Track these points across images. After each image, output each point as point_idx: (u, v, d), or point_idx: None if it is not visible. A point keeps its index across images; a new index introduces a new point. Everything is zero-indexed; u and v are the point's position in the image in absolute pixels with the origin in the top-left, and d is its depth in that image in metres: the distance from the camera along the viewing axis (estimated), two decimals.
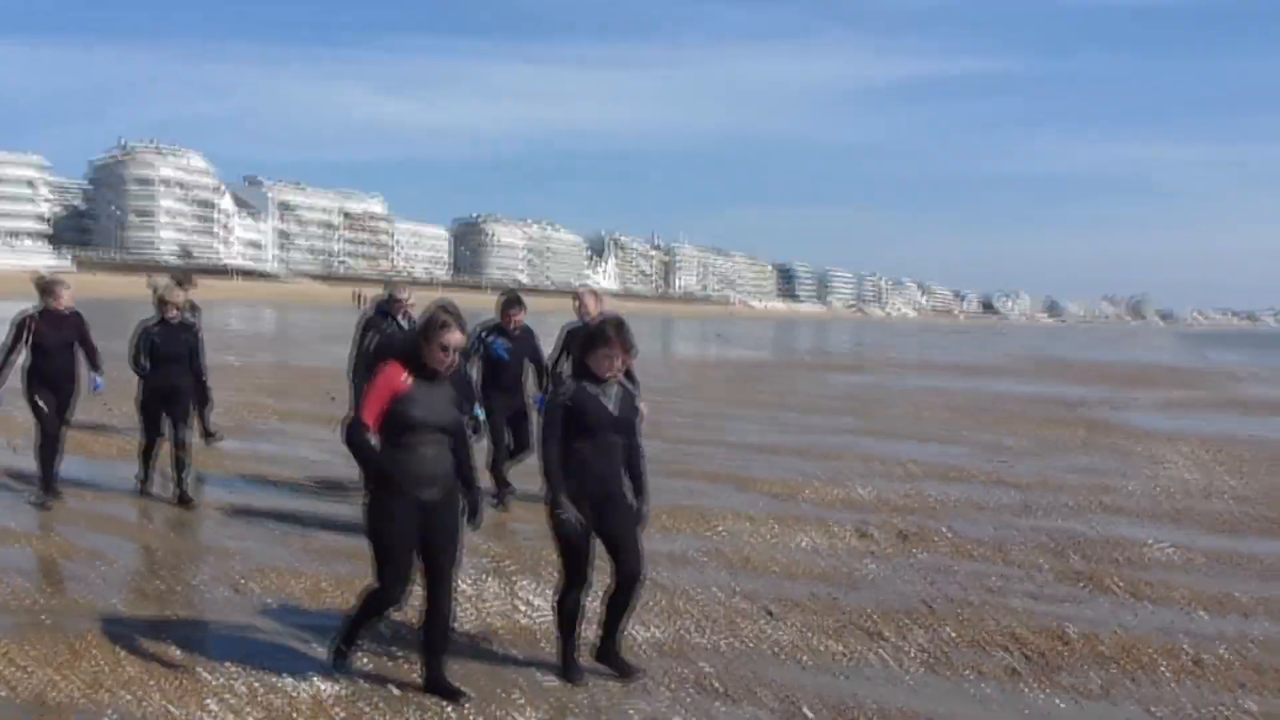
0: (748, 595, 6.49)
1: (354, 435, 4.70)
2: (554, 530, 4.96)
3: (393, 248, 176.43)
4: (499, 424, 8.66)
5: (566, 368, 8.81)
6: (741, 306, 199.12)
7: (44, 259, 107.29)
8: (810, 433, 14.83)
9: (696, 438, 13.62)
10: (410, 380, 4.70)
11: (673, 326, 74.66)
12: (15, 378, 8.44)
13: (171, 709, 4.63)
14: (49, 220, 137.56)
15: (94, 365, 8.72)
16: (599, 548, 5.03)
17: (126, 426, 11.14)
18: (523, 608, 6.18)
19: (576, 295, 9.02)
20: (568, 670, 5.07)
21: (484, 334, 8.71)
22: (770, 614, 6.18)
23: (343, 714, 4.65)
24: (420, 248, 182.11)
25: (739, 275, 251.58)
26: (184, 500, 8.53)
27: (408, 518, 4.70)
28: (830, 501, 9.74)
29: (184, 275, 13.66)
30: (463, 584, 6.06)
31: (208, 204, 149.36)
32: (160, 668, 5.05)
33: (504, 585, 6.57)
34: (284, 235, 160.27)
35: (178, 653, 5.26)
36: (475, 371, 8.50)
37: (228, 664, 5.10)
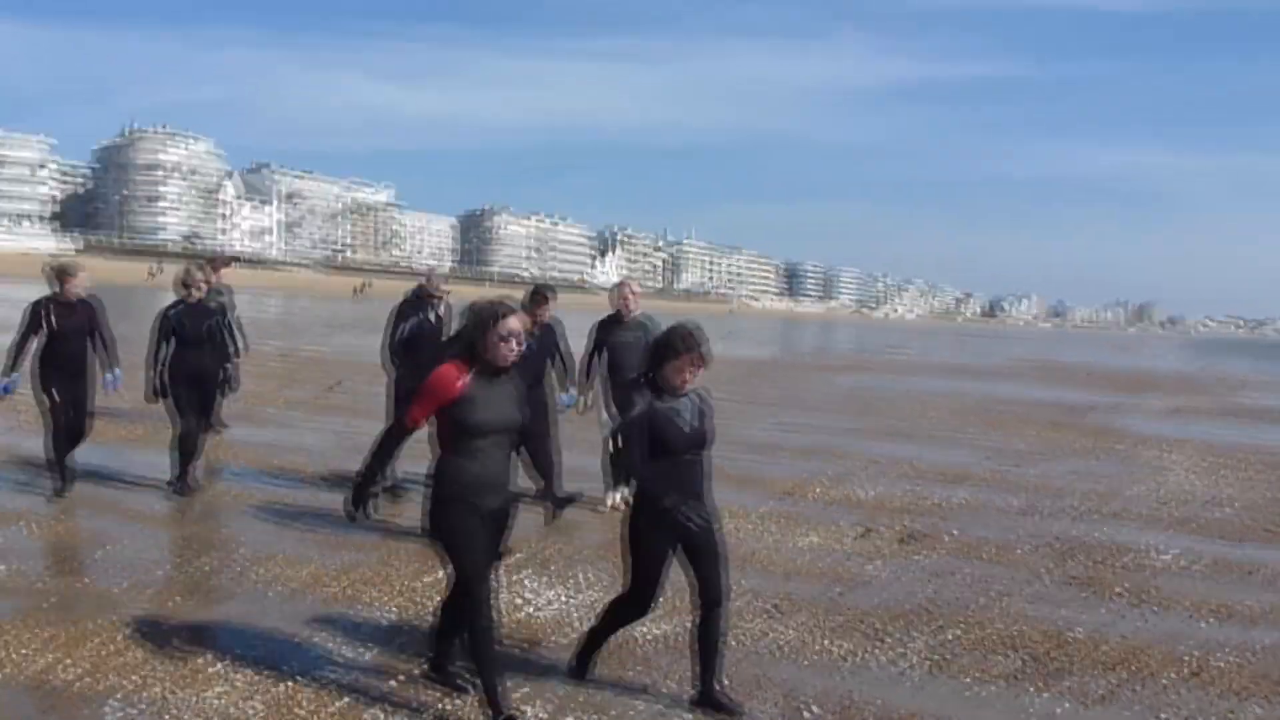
0: (751, 594, 6.48)
1: (383, 436, 4.62)
2: (631, 541, 4.70)
3: (400, 238, 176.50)
4: None
5: (600, 365, 8.72)
6: (742, 305, 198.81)
7: (49, 242, 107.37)
8: (813, 433, 14.83)
9: None
10: (468, 381, 4.38)
11: None
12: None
13: (173, 695, 4.64)
14: (56, 202, 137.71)
15: (110, 358, 8.30)
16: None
17: (133, 411, 11.15)
18: (526, 604, 6.17)
19: (618, 287, 8.84)
20: (578, 668, 5.03)
21: None
22: (776, 611, 6.17)
23: (345, 702, 4.65)
24: (427, 238, 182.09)
25: (744, 273, 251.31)
26: (181, 489, 8.36)
27: (479, 528, 4.43)
28: (834, 501, 9.73)
29: (219, 258, 13.58)
30: None
31: (213, 190, 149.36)
32: (163, 654, 5.06)
33: (508, 579, 6.56)
34: (290, 223, 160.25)
35: (180, 639, 5.27)
36: None
37: (230, 651, 5.11)
